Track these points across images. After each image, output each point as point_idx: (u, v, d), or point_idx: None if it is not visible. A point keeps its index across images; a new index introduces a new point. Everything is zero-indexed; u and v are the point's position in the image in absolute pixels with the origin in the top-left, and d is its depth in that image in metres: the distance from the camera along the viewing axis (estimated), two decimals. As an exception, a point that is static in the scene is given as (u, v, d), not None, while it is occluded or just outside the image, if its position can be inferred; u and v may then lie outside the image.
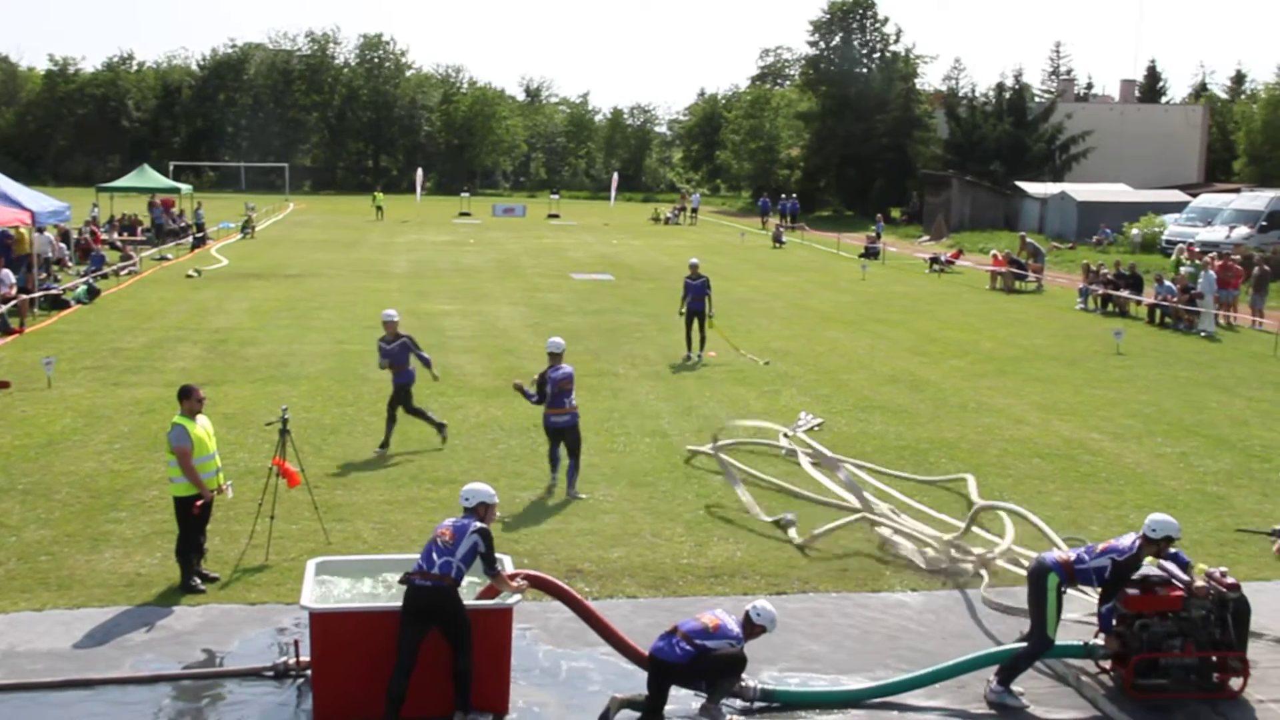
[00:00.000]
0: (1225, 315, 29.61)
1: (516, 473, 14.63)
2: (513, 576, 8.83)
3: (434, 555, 8.44)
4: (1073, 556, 9.11)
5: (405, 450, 15.53)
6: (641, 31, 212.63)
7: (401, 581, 8.43)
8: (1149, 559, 9.07)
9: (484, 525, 8.59)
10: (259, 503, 11.92)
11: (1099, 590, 9.11)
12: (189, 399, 10.85)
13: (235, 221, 51.20)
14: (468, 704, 8.44)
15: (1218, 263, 30.47)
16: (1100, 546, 9.13)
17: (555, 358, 13.92)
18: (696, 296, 22.38)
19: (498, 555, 9.60)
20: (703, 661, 8.42)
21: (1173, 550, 9.16)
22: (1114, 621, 9.07)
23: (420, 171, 73.84)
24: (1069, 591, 9.29)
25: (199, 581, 10.69)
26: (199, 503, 10.73)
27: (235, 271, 36.92)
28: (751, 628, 8.74)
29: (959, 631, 10.32)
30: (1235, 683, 9.00)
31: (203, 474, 10.67)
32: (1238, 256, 32.63)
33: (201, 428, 10.81)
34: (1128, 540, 9.05)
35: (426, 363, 15.92)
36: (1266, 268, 31.10)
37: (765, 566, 11.65)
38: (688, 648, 8.41)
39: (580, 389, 19.50)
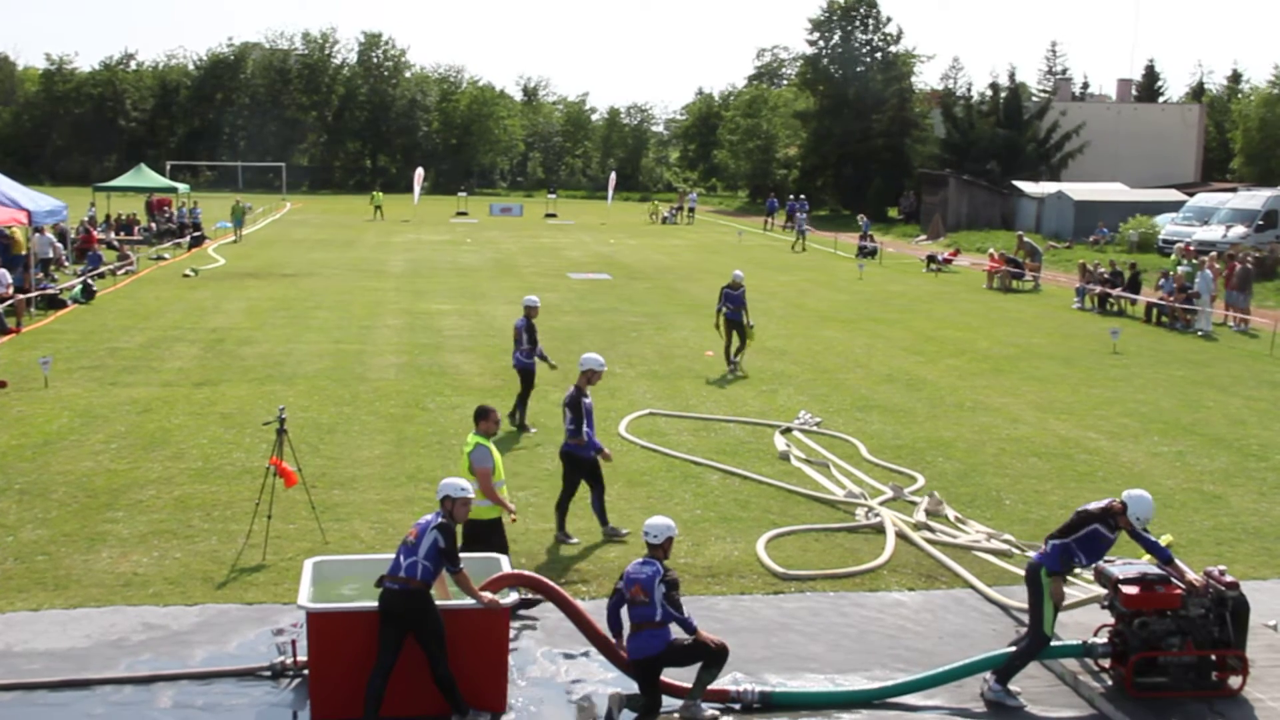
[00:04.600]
0: (1235, 317, 29.33)
1: (513, 472, 14.59)
2: (489, 585, 8.71)
3: (401, 557, 8.38)
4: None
5: (402, 450, 15.52)
6: (639, 31, 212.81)
7: (376, 584, 8.39)
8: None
9: (445, 521, 8.44)
10: (256, 502, 11.90)
11: (1067, 545, 8.98)
12: (486, 420, 10.41)
13: (230, 220, 50.91)
14: (461, 706, 8.39)
15: (1230, 265, 30.37)
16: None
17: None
18: (737, 307, 21.62)
19: (497, 555, 9.63)
20: (675, 647, 8.46)
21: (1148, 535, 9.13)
22: (1060, 562, 8.92)
23: (420, 170, 73.70)
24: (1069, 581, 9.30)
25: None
26: (514, 517, 10.55)
27: (232, 271, 36.89)
28: (654, 550, 8.68)
29: (956, 631, 10.31)
30: (1234, 681, 9.00)
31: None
32: (1250, 258, 32.46)
33: (496, 450, 10.44)
34: (1099, 503, 9.14)
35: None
36: (1250, 265, 30.91)
37: (762, 566, 11.64)
38: (661, 633, 8.44)
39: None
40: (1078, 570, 9.82)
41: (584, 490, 12.38)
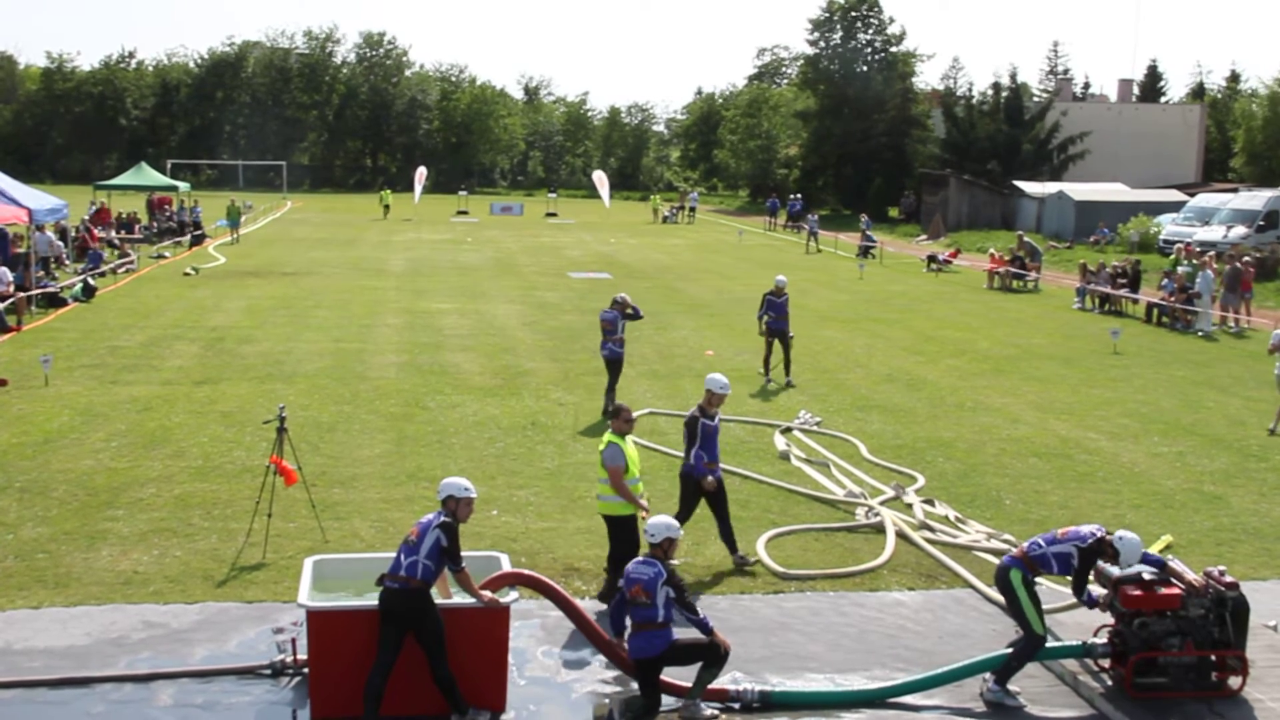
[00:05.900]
0: (1235, 318, 29.20)
1: (513, 471, 14.63)
2: (489, 584, 8.70)
3: (402, 556, 8.38)
4: (1026, 546, 9.19)
5: (402, 449, 15.52)
6: (639, 31, 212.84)
7: (377, 583, 8.39)
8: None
9: (447, 520, 8.42)
10: (256, 501, 11.91)
11: (1070, 579, 9.09)
12: (619, 418, 10.59)
13: (226, 220, 50.78)
14: (461, 705, 8.39)
15: (1230, 266, 30.30)
16: (1060, 533, 9.21)
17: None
18: (780, 315, 20.52)
19: (496, 554, 9.62)
20: (676, 647, 8.46)
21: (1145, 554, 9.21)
22: (1098, 598, 9.18)
23: (423, 170, 73.79)
24: (1041, 582, 9.31)
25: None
26: (645, 515, 10.34)
27: (232, 270, 36.89)
28: (654, 550, 8.66)
29: (956, 631, 10.31)
30: (1234, 681, 9.00)
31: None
32: (1244, 259, 32.36)
33: (631, 447, 10.53)
34: (1089, 529, 9.13)
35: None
36: (1241, 265, 30.76)
37: (762, 565, 11.63)
38: (663, 634, 8.43)
39: (578, 387, 19.59)
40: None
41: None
